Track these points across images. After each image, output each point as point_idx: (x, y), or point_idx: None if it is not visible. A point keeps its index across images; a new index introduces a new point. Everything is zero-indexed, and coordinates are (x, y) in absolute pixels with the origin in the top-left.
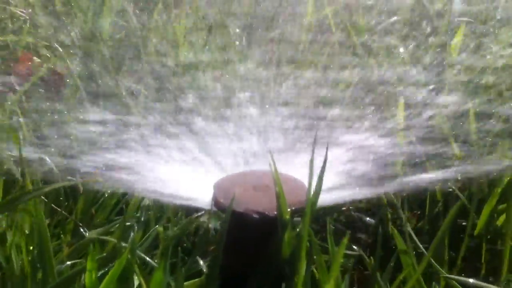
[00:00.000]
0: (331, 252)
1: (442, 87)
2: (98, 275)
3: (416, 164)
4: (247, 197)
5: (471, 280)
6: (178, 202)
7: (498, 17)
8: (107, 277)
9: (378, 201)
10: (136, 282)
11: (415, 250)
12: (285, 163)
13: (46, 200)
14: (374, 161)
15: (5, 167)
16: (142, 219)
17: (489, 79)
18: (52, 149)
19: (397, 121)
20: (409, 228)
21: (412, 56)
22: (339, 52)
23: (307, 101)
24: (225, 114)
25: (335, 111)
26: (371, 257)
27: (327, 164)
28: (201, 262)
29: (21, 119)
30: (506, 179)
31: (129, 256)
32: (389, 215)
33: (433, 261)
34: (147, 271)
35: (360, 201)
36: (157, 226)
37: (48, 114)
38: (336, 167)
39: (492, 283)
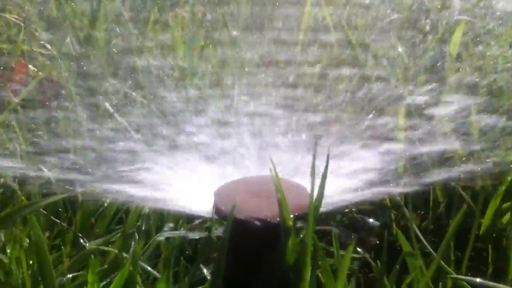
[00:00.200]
0: (336, 257)
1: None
2: (100, 287)
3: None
4: (249, 204)
5: (478, 280)
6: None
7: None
8: None
9: (381, 202)
10: None
11: (420, 251)
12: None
13: (45, 212)
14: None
15: (1, 180)
16: (143, 228)
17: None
18: (49, 160)
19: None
20: (416, 229)
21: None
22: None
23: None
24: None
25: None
26: (377, 260)
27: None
28: (205, 270)
29: (17, 129)
30: (509, 177)
31: (131, 267)
32: (393, 216)
33: (442, 263)
34: (149, 281)
35: (362, 203)
36: (158, 234)
37: (44, 124)
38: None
39: (499, 282)
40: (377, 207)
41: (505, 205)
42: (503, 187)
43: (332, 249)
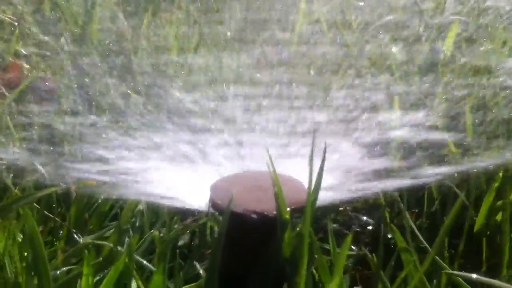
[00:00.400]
0: (332, 253)
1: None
2: (95, 280)
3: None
4: (245, 197)
5: (474, 276)
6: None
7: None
8: (104, 282)
9: (375, 200)
10: (133, 287)
11: (415, 247)
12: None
13: (38, 207)
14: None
15: None
16: (137, 224)
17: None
18: (43, 154)
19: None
20: (411, 223)
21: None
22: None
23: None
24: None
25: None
26: (373, 254)
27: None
28: (198, 266)
29: (11, 125)
30: (501, 174)
31: (126, 259)
32: (387, 213)
33: (438, 258)
34: (144, 277)
35: (357, 200)
36: (152, 230)
37: (38, 120)
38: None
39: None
40: (371, 205)
41: (498, 203)
42: (496, 184)
43: (327, 246)
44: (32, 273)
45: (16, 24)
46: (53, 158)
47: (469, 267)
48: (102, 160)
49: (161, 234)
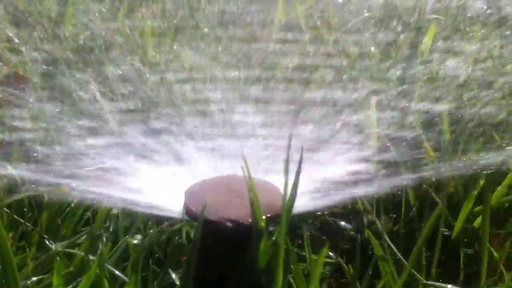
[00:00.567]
0: (308, 261)
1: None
2: None
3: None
4: (220, 204)
5: (449, 286)
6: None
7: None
8: None
9: (353, 205)
10: None
11: (392, 255)
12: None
13: (8, 211)
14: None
15: None
16: (111, 229)
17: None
18: (15, 157)
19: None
20: (386, 237)
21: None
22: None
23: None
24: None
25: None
26: (349, 265)
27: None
28: (173, 275)
29: None
30: (481, 182)
31: (97, 270)
32: (365, 220)
33: (414, 271)
34: (117, 286)
35: (335, 206)
36: (126, 237)
37: (9, 119)
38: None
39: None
40: (349, 211)
41: (477, 209)
42: (475, 192)
43: (304, 253)
44: (2, 283)
45: None
46: (25, 161)
47: (446, 276)
48: (75, 163)
49: (135, 241)
